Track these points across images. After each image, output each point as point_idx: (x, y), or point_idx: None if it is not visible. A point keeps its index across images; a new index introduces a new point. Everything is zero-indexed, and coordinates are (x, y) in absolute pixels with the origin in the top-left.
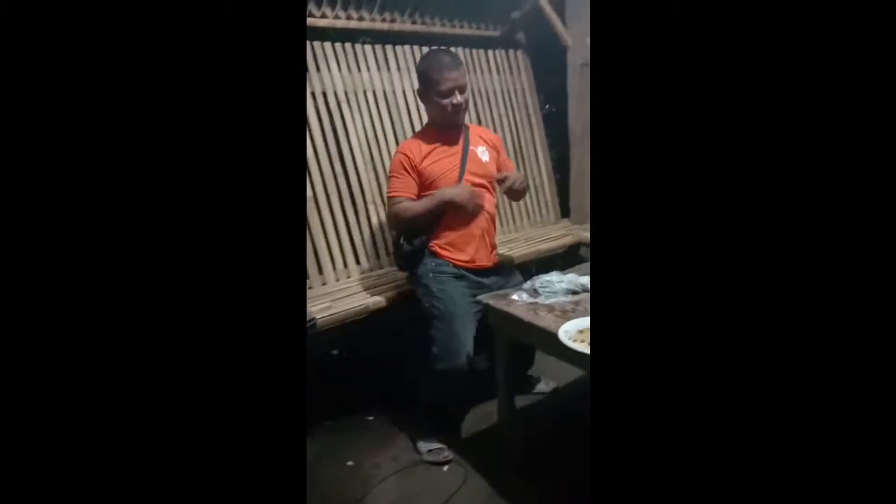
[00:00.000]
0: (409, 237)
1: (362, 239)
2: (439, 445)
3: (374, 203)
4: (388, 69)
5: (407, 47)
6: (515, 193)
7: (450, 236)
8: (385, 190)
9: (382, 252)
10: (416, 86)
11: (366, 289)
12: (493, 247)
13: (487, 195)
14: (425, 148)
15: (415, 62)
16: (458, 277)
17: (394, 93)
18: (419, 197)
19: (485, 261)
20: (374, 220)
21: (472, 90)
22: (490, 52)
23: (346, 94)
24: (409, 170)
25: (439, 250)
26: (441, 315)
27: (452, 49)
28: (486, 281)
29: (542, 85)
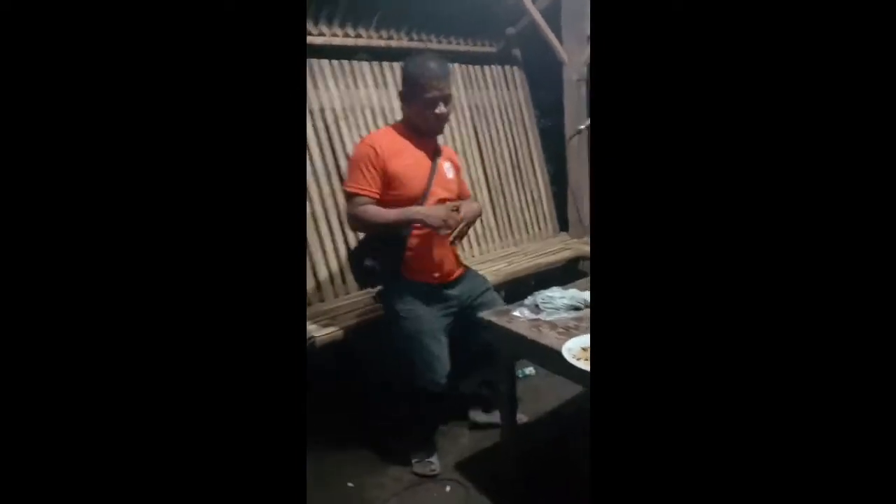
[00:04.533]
0: (373, 254)
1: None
2: (428, 458)
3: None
4: (386, 86)
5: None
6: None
7: (414, 260)
8: None
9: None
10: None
11: (365, 306)
12: (457, 257)
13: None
14: (397, 145)
15: None
16: (424, 294)
17: (392, 110)
18: (381, 196)
19: (449, 273)
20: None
21: (470, 106)
22: (486, 68)
23: (343, 110)
24: (374, 165)
25: (404, 272)
26: (410, 335)
27: (451, 66)
28: (452, 292)
29: (538, 99)
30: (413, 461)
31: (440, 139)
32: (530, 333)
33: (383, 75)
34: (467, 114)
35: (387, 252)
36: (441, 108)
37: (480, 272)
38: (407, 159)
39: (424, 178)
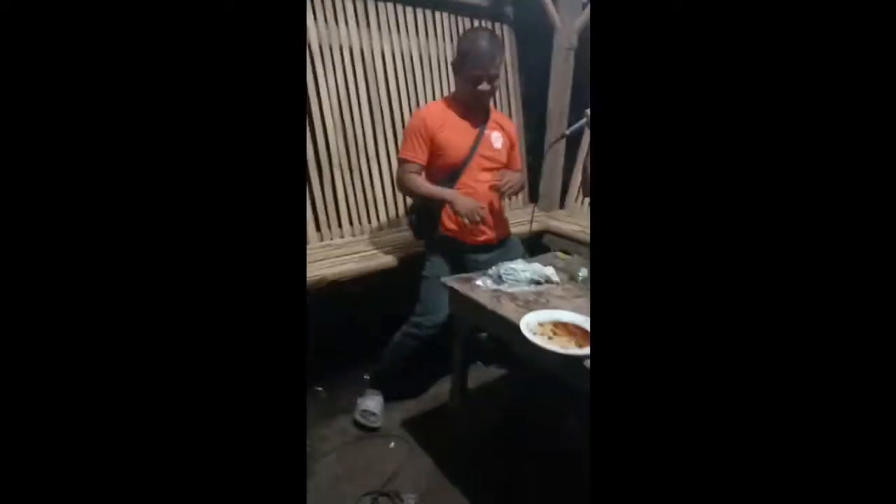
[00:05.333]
0: (419, 210)
1: (325, 205)
2: (373, 410)
3: (341, 167)
4: (368, 27)
5: (390, 5)
6: (505, 194)
7: (451, 217)
8: (354, 153)
9: (345, 220)
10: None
11: (325, 258)
12: (500, 225)
13: (494, 179)
14: (444, 116)
15: (397, 23)
16: (456, 249)
17: (371, 53)
18: (428, 163)
19: (488, 236)
20: (339, 186)
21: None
22: (475, 22)
23: (320, 48)
24: (423, 135)
25: (444, 229)
26: (429, 276)
27: (437, 14)
28: (483, 257)
29: (524, 64)
30: (360, 406)
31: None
32: (490, 304)
33: (367, 14)
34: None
35: (428, 210)
36: (484, 86)
37: None
38: (452, 130)
39: (468, 146)
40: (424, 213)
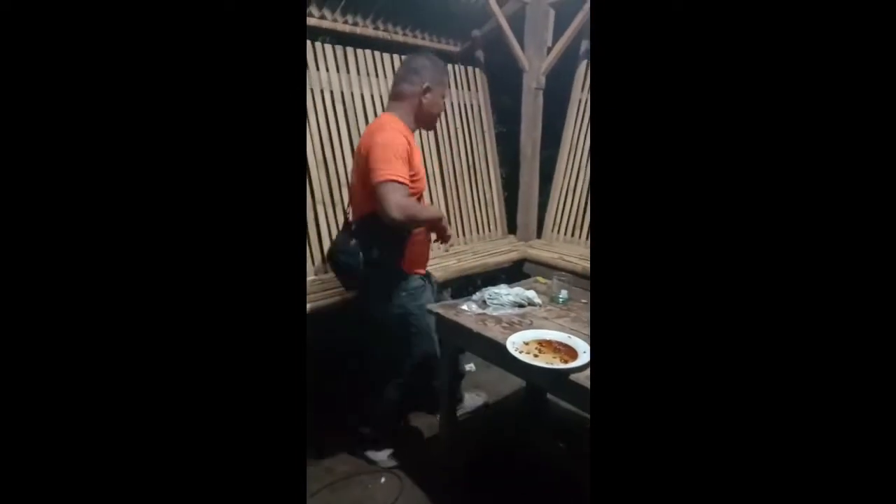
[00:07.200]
0: (382, 244)
1: (308, 240)
2: (391, 450)
3: (324, 203)
4: (348, 71)
5: (368, 52)
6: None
7: (414, 253)
8: (337, 188)
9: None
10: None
11: (315, 291)
12: None
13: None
14: (411, 140)
15: (374, 67)
16: (423, 288)
17: (351, 95)
18: None
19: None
20: (322, 221)
21: None
22: (449, 67)
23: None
24: (406, 156)
25: (405, 267)
26: (420, 331)
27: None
28: (429, 284)
29: (497, 104)
30: (382, 456)
31: None
32: (476, 326)
33: (346, 60)
34: None
35: (391, 244)
36: (443, 105)
37: (429, 268)
38: (418, 154)
39: (423, 172)
40: (387, 249)
